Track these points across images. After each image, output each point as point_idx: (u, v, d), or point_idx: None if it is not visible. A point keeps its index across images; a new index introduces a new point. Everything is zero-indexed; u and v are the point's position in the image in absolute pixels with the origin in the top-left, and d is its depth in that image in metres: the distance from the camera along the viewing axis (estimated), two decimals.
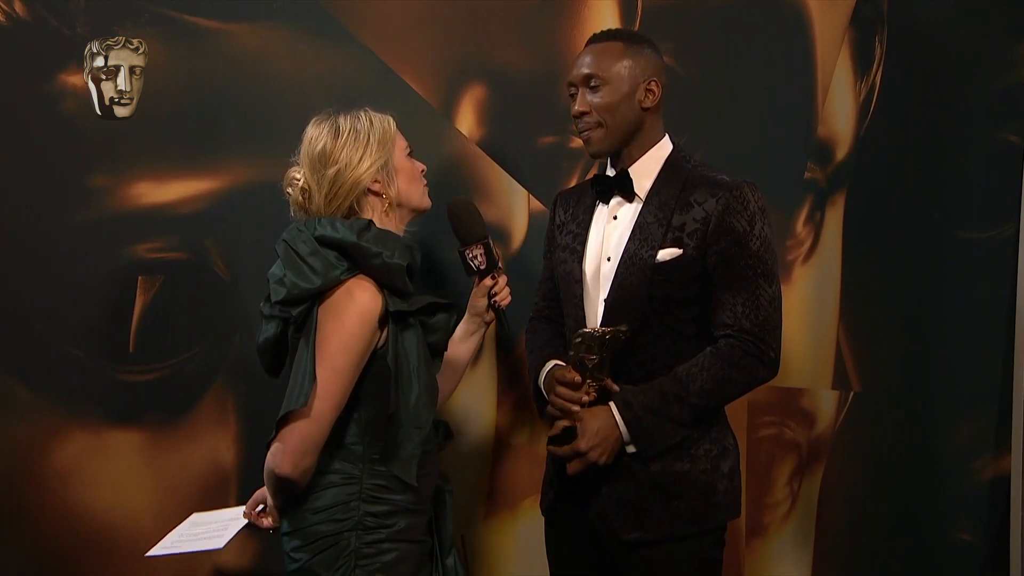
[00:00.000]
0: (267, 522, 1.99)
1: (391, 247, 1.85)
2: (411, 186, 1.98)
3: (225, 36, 2.41)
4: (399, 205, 1.96)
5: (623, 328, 1.98)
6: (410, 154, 2.00)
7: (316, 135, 1.94)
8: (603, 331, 1.95)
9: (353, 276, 1.84)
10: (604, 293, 2.04)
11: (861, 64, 2.72)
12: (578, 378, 1.98)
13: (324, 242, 1.85)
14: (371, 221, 1.90)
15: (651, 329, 2.01)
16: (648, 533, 2.00)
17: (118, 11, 2.37)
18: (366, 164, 1.91)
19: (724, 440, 2.07)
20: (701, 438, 2.02)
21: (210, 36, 2.41)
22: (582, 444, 1.97)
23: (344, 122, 1.93)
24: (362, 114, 1.95)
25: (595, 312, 2.06)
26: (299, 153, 1.97)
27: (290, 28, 2.43)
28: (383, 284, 1.85)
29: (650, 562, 2.01)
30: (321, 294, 1.83)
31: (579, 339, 1.95)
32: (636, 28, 2.56)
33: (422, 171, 2.02)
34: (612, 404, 1.98)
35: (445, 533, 2.00)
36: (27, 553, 2.36)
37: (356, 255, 1.83)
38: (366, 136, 1.92)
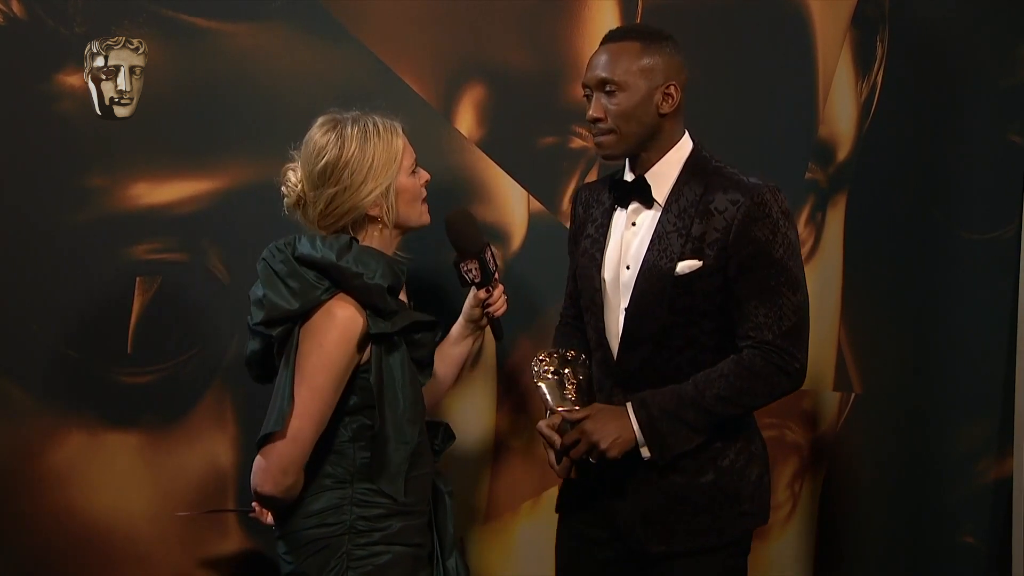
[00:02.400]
0: (269, 519, 1.99)
1: (372, 267, 1.81)
2: (410, 207, 1.93)
3: (223, 36, 2.40)
4: (395, 226, 1.93)
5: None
6: (414, 170, 1.95)
7: (320, 146, 1.87)
8: (558, 354, 2.06)
9: (334, 296, 1.81)
10: (624, 302, 1.99)
11: (862, 64, 2.71)
12: (557, 440, 1.98)
13: (304, 262, 1.82)
14: (353, 239, 1.86)
15: (673, 341, 1.96)
16: (675, 546, 1.96)
17: (116, 11, 2.36)
18: (367, 189, 1.86)
19: (750, 447, 2.02)
20: (726, 448, 1.98)
21: (208, 36, 2.40)
22: (586, 424, 1.92)
23: (351, 136, 1.86)
24: (370, 126, 1.88)
25: (616, 320, 2.01)
26: (299, 149, 1.92)
27: (289, 28, 2.42)
28: (364, 304, 1.82)
29: (674, 573, 1.98)
30: (302, 314, 1.81)
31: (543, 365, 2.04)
32: None
33: (424, 183, 1.97)
34: (628, 404, 1.94)
35: (445, 534, 1.98)
36: (24, 555, 2.34)
37: (335, 275, 1.81)
38: (371, 157, 1.86)
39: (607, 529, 2.04)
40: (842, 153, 2.71)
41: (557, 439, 1.98)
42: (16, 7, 2.32)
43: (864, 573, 2.78)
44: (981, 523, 2.82)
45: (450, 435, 2.10)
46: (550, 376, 2.04)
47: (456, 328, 2.18)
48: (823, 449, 2.74)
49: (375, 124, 1.89)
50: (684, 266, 1.92)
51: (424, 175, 1.98)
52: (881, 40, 2.71)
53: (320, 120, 1.92)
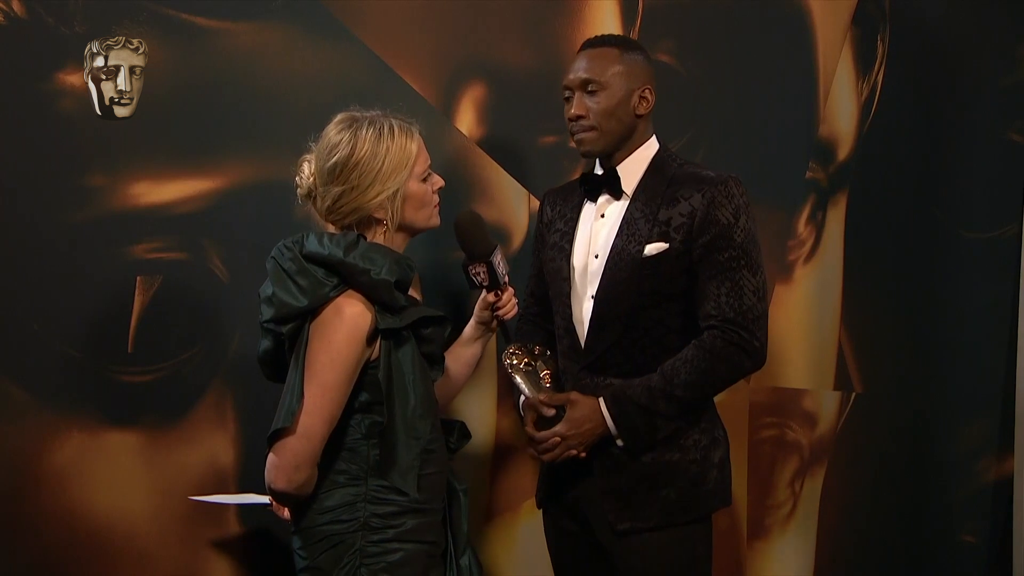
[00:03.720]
0: (285, 513, 1.99)
1: (379, 263, 1.82)
2: (418, 212, 1.94)
3: (223, 35, 2.40)
4: (401, 229, 1.94)
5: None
6: (427, 176, 1.94)
7: (333, 143, 1.87)
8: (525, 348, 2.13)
9: (343, 292, 1.82)
10: (592, 289, 2.07)
11: (863, 63, 2.71)
12: (552, 412, 2.04)
13: (311, 259, 1.83)
14: (360, 235, 1.88)
15: (640, 324, 2.04)
16: (640, 522, 2.02)
17: (116, 10, 2.36)
18: (373, 192, 1.87)
19: (714, 431, 2.10)
20: (691, 428, 2.05)
21: (208, 35, 2.40)
22: (562, 428, 2.02)
23: (364, 138, 1.86)
24: (386, 128, 1.88)
25: (582, 308, 2.09)
26: (317, 142, 1.92)
27: (289, 27, 2.42)
28: (372, 300, 1.83)
29: (642, 550, 2.03)
30: (311, 311, 1.82)
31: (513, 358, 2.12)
32: (637, 27, 2.56)
33: (438, 189, 1.97)
34: (601, 399, 2.02)
35: (459, 532, 1.99)
36: (25, 554, 2.34)
37: (343, 271, 1.81)
38: (381, 161, 1.86)
39: (579, 510, 2.11)
40: (843, 152, 2.71)
41: (550, 411, 2.05)
42: (16, 6, 2.32)
43: (864, 572, 2.78)
44: (982, 522, 2.82)
45: (465, 434, 2.11)
46: (522, 367, 2.11)
47: (468, 329, 2.19)
48: (823, 448, 2.74)
49: (391, 127, 1.89)
50: (651, 248, 2.01)
51: (438, 181, 1.98)
52: (882, 39, 2.71)
53: (339, 117, 1.93)
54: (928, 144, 2.75)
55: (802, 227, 2.69)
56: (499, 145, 2.53)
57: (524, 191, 2.54)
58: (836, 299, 2.73)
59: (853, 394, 2.75)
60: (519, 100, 2.53)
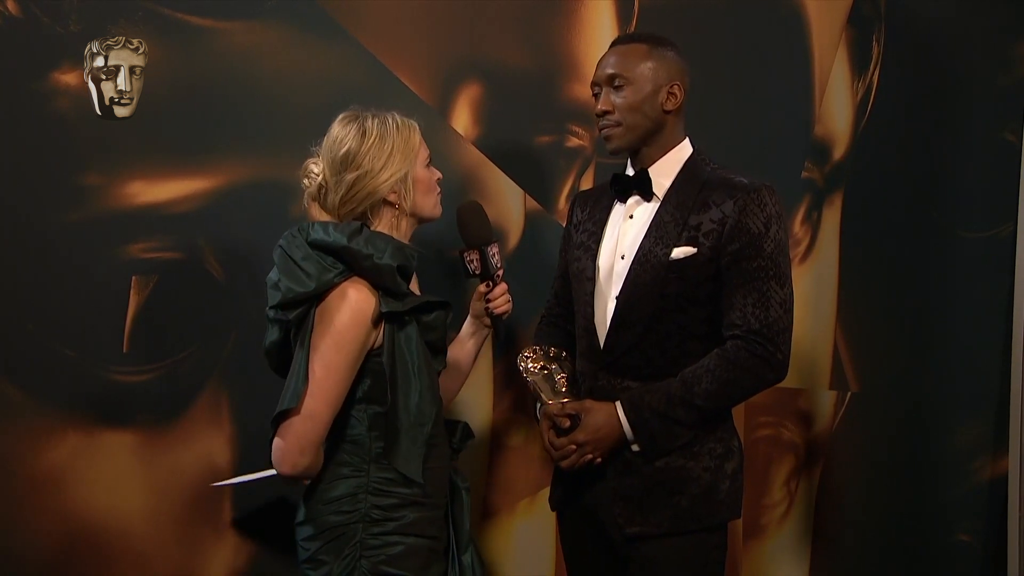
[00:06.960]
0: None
1: (381, 249, 1.87)
2: (426, 197, 2.00)
3: (219, 34, 2.40)
4: (411, 215, 1.99)
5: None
6: (429, 164, 2.02)
7: (342, 136, 1.95)
8: (541, 351, 2.13)
9: (348, 278, 1.87)
10: (616, 290, 2.04)
11: (858, 63, 2.71)
12: (567, 423, 2.02)
13: (317, 246, 1.88)
14: (363, 224, 1.92)
15: (662, 327, 2.01)
16: (649, 527, 2.00)
17: (112, 9, 2.36)
18: (387, 174, 1.93)
19: (729, 441, 2.07)
20: (706, 436, 2.02)
21: (204, 34, 2.40)
22: (580, 435, 1.99)
23: (371, 126, 1.94)
24: (389, 119, 1.96)
25: (605, 308, 2.06)
26: (320, 145, 1.98)
27: (285, 26, 2.42)
28: (376, 285, 1.87)
29: (653, 556, 2.01)
30: (318, 297, 1.86)
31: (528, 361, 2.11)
32: (632, 27, 2.56)
33: (437, 180, 2.04)
34: (618, 404, 2.00)
35: (461, 530, 2.02)
36: (21, 554, 2.34)
37: (347, 258, 1.86)
38: (391, 145, 1.94)
39: (592, 522, 2.09)
40: (838, 152, 2.72)
41: (566, 422, 2.03)
42: (11, 6, 2.32)
43: (860, 571, 2.78)
44: (977, 521, 2.82)
45: (468, 434, 2.13)
46: (537, 371, 2.11)
47: (465, 325, 2.22)
48: (819, 448, 2.74)
49: (394, 119, 1.98)
50: (679, 252, 1.98)
51: (437, 173, 2.05)
52: (877, 39, 2.72)
53: (341, 115, 2.00)
54: (924, 144, 2.76)
55: (798, 227, 2.69)
56: (495, 145, 2.53)
57: (520, 191, 2.55)
58: (832, 298, 2.73)
59: (849, 393, 2.76)
60: (515, 100, 2.53)
